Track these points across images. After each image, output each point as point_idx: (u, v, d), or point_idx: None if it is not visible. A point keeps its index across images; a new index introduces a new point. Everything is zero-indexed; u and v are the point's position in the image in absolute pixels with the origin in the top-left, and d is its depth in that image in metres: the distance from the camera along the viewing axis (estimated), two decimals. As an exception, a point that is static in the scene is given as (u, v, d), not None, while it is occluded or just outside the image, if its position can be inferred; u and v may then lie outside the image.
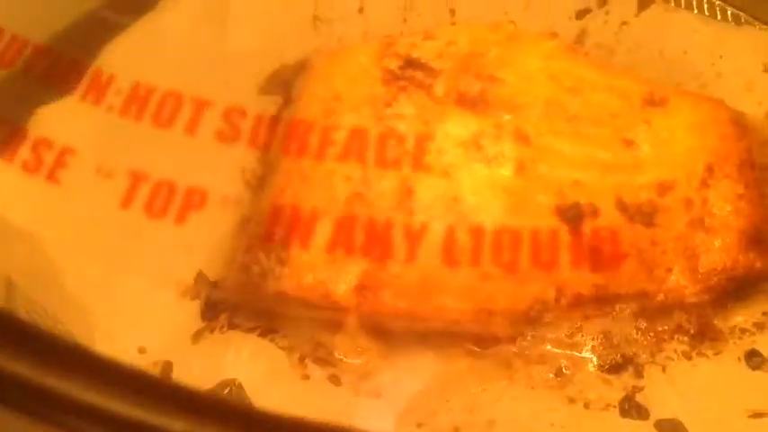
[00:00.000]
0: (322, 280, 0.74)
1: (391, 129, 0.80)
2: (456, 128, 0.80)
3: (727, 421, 0.70)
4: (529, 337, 0.78)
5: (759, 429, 0.70)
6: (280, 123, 0.92)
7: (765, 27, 1.00)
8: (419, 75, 0.87)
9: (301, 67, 0.98)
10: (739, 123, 0.88)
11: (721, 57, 0.99)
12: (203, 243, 0.81)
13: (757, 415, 0.70)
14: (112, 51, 0.91)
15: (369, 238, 0.75)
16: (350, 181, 0.78)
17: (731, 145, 0.85)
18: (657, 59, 1.00)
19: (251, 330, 0.75)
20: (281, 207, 0.78)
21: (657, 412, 0.72)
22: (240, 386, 0.69)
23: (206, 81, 0.88)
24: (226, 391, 0.69)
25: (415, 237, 0.75)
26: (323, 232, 0.76)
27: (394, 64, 0.87)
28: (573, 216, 0.79)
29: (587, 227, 0.79)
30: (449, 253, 0.75)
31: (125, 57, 0.90)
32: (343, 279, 0.74)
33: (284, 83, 0.97)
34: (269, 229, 0.76)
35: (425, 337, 0.75)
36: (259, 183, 0.87)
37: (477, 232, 0.76)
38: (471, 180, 0.78)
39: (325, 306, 0.74)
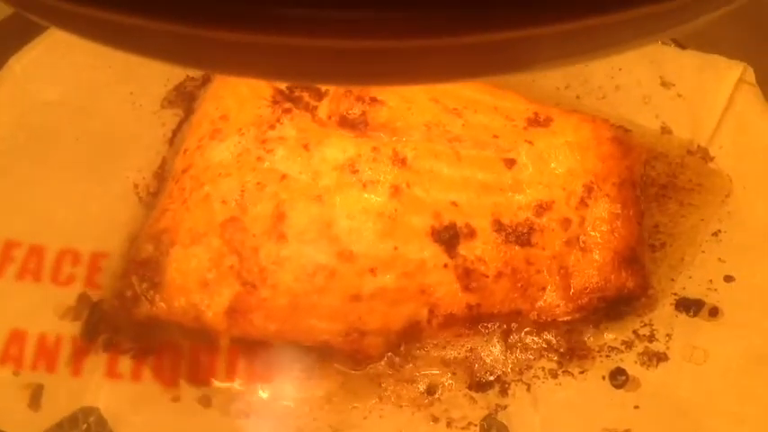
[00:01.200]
0: (194, 303, 0.77)
1: (270, 150, 0.81)
2: (333, 151, 0.82)
3: (582, 440, 0.72)
4: (400, 357, 0.79)
5: (611, 448, 0.71)
6: (176, 137, 0.94)
7: (664, 41, 1.02)
8: (306, 96, 0.88)
9: (206, 81, 0.99)
10: (623, 142, 0.89)
11: (620, 69, 1.01)
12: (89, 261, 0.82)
13: (611, 434, 0.72)
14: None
15: (241, 263, 0.77)
16: (226, 205, 0.80)
17: (612, 164, 0.87)
18: (557, 72, 1.01)
19: (126, 351, 0.76)
20: (158, 230, 0.79)
21: (517, 431, 0.73)
22: (100, 415, 0.71)
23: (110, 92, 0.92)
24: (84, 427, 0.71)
25: (285, 261, 0.77)
26: (197, 256, 0.78)
27: (283, 84, 0.88)
28: (448, 237, 0.81)
29: (462, 248, 0.81)
30: (319, 277, 0.77)
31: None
32: (214, 302, 0.76)
33: (188, 96, 0.99)
34: (144, 253, 0.78)
35: (297, 358, 0.77)
36: (153, 199, 0.89)
37: (348, 256, 0.78)
38: (345, 204, 0.79)
39: (198, 329, 0.76)
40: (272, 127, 0.85)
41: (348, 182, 0.80)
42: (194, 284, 0.76)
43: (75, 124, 0.93)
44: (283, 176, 0.81)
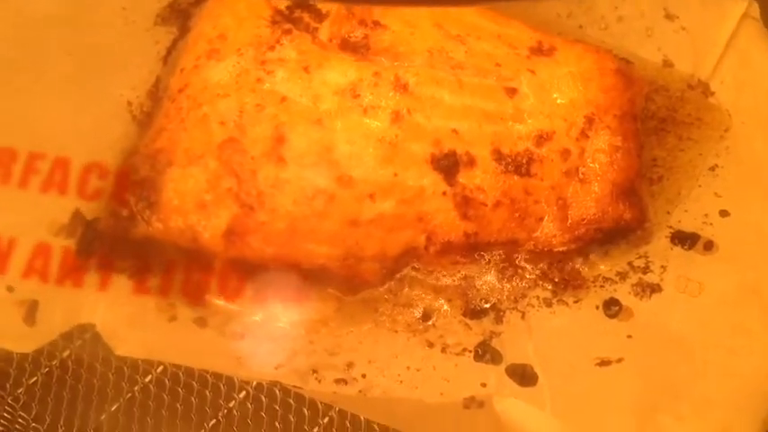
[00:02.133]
0: (191, 224, 0.76)
1: (270, 72, 0.80)
2: (334, 75, 0.81)
3: (575, 367, 0.73)
4: (396, 283, 0.79)
5: (604, 376, 0.73)
6: (170, 55, 0.92)
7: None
8: (306, 17, 0.86)
9: (200, -1, 0.96)
10: (625, 74, 0.88)
11: (624, 0, 0.99)
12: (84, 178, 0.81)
13: (604, 363, 0.73)
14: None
15: (239, 185, 0.76)
16: (224, 126, 0.78)
17: (614, 96, 0.87)
18: (561, 2, 1.00)
19: (122, 271, 0.76)
20: (155, 150, 0.78)
21: (511, 357, 0.75)
22: (95, 332, 0.71)
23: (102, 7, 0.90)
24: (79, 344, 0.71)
25: (284, 184, 0.76)
26: (194, 177, 0.77)
27: (283, 3, 0.86)
28: (447, 165, 0.80)
29: (462, 176, 0.80)
30: (318, 201, 0.76)
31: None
32: (211, 224, 0.76)
33: (182, 13, 0.96)
34: (141, 173, 0.77)
35: (294, 281, 0.77)
36: (146, 118, 0.87)
37: (348, 181, 0.77)
38: (346, 129, 0.78)
39: (194, 250, 0.75)
40: (271, 48, 0.83)
41: (349, 106, 0.79)
42: (191, 205, 0.76)
43: (66, 39, 0.90)
44: (283, 98, 0.79)
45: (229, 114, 0.78)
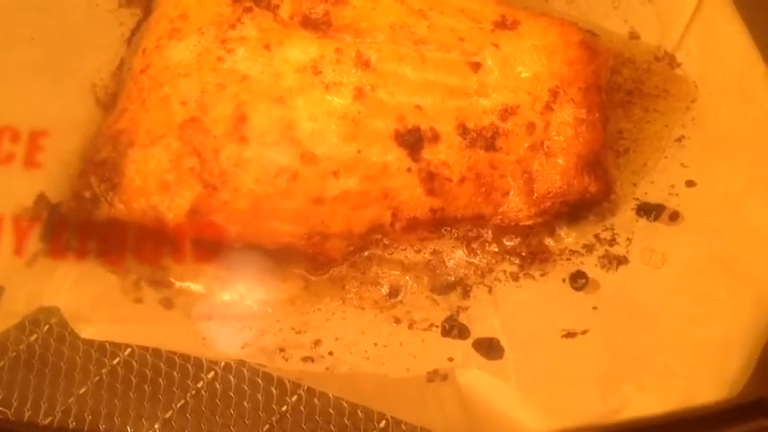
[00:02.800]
0: (154, 205, 0.76)
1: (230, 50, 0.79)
2: (295, 52, 0.80)
3: (540, 339, 0.74)
4: (363, 260, 0.79)
5: (569, 348, 0.73)
6: (134, 37, 0.91)
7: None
8: (267, -7, 0.86)
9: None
10: (590, 47, 0.88)
11: (590, -28, 0.99)
12: (49, 163, 0.80)
13: (569, 335, 0.74)
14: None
15: (201, 165, 0.76)
16: (185, 106, 0.78)
17: (579, 68, 0.86)
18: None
19: (87, 253, 0.75)
20: (116, 130, 0.78)
21: (477, 332, 0.75)
22: (62, 315, 0.71)
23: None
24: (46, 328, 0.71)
25: (246, 163, 0.76)
26: (156, 157, 0.76)
27: (244, -18, 0.86)
28: (412, 141, 0.80)
29: (426, 152, 0.80)
30: (281, 179, 0.76)
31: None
32: (175, 204, 0.76)
33: (146, -6, 0.95)
34: (103, 153, 0.76)
35: (260, 260, 0.77)
36: (111, 100, 0.87)
37: (311, 159, 0.77)
38: (308, 106, 0.78)
39: (158, 231, 0.75)
40: (232, 26, 0.83)
41: (311, 83, 0.79)
42: (154, 186, 0.76)
43: (30, 23, 0.89)
44: (244, 77, 0.79)
45: (190, 94, 0.78)
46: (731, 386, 0.68)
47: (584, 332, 0.73)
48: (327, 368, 0.72)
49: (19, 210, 0.78)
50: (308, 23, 0.83)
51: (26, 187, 0.80)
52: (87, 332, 0.71)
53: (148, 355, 0.73)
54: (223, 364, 0.73)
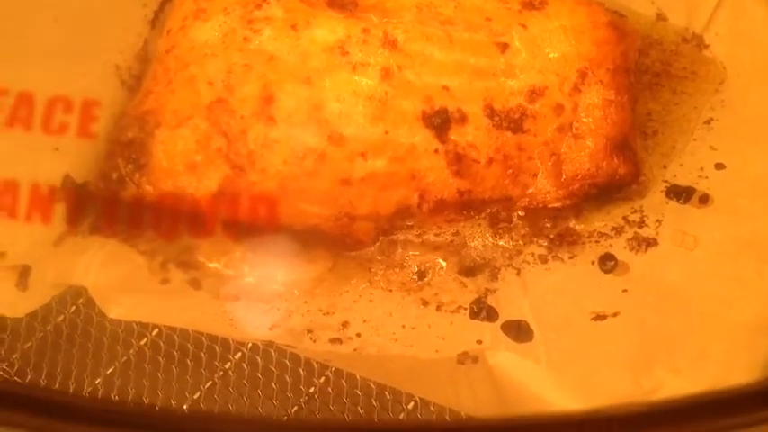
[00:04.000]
0: (181, 186, 0.75)
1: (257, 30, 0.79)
2: (322, 32, 0.80)
3: (570, 322, 0.73)
4: (390, 242, 0.79)
5: (599, 330, 0.72)
6: (158, 18, 0.91)
7: None
8: (293, -25, 0.85)
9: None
10: (617, 28, 0.87)
11: (617, -46, 0.97)
12: (73, 144, 0.80)
13: (599, 317, 0.73)
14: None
15: (229, 146, 0.75)
16: (212, 86, 0.78)
17: (607, 50, 0.85)
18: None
19: (114, 234, 0.75)
20: (143, 111, 0.77)
21: (506, 314, 0.74)
22: (89, 297, 0.70)
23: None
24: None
25: (273, 144, 0.75)
26: (183, 138, 0.76)
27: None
28: (439, 123, 0.79)
29: (454, 133, 0.79)
30: (308, 160, 0.75)
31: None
32: (202, 185, 0.75)
33: (170, -25, 0.95)
34: (129, 135, 0.76)
35: (287, 241, 0.77)
36: (135, 82, 0.86)
37: (338, 140, 0.76)
38: (335, 87, 0.78)
39: (186, 212, 0.75)
40: (258, 6, 0.82)
41: (337, 64, 0.79)
42: (181, 167, 0.75)
43: (53, 4, 0.89)
44: (271, 57, 0.78)
45: (217, 75, 0.77)
46: (763, 368, 0.67)
47: (614, 314, 0.72)
48: (355, 349, 0.71)
49: (45, 189, 0.77)
50: (335, 3, 0.83)
51: (53, 167, 0.78)
52: (115, 312, 0.70)
53: (176, 336, 0.72)
54: (250, 345, 0.73)
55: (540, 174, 0.81)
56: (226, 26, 0.80)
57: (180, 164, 0.75)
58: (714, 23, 0.91)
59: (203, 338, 0.72)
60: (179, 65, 0.79)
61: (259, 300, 0.74)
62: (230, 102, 0.76)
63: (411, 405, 0.71)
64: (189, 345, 0.72)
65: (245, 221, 0.75)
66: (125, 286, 0.72)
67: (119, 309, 0.71)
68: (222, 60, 0.78)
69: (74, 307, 0.73)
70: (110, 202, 0.75)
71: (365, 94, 0.77)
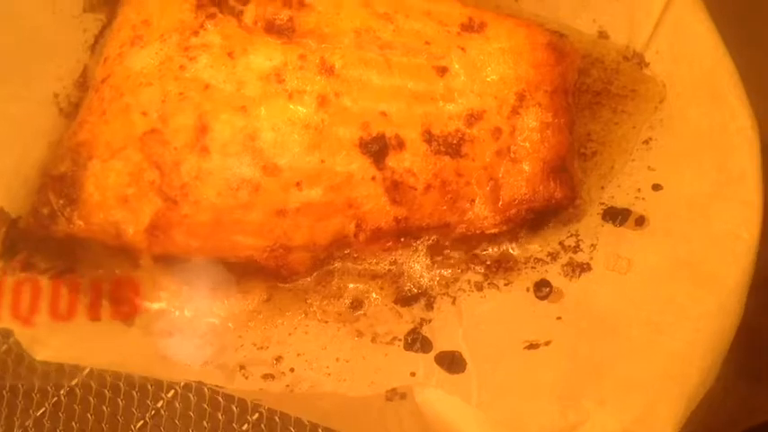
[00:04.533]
0: (114, 221, 0.75)
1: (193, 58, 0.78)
2: (259, 59, 0.79)
3: (503, 352, 0.73)
4: (327, 272, 0.79)
5: (531, 360, 0.73)
6: (98, 44, 0.90)
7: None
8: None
9: (128, -16, 0.94)
10: (556, 49, 0.87)
11: (559, -29, 0.97)
12: (8, 174, 0.79)
13: (532, 346, 0.73)
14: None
15: (162, 178, 0.75)
16: (146, 116, 0.77)
17: (545, 71, 0.86)
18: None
19: (46, 271, 0.75)
20: (76, 143, 0.76)
21: (440, 344, 0.75)
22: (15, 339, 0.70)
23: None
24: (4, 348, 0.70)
25: (207, 175, 0.75)
26: (116, 171, 0.75)
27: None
28: (377, 149, 0.79)
29: (391, 160, 0.79)
30: (243, 191, 0.75)
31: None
32: (135, 219, 0.75)
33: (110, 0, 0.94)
34: (61, 168, 0.75)
35: (222, 274, 0.76)
36: (74, 110, 0.86)
37: (273, 170, 0.76)
38: (270, 115, 0.77)
39: (119, 246, 0.74)
40: (195, 33, 0.81)
41: (273, 92, 0.78)
42: (113, 201, 0.75)
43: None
44: (206, 86, 0.78)
45: (151, 104, 0.77)
46: (689, 400, 0.68)
47: (546, 343, 0.73)
48: (288, 385, 0.72)
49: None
50: (273, 29, 0.82)
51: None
52: (42, 354, 0.70)
53: (108, 376, 0.72)
54: (183, 383, 0.72)
55: (478, 199, 0.81)
56: (162, 53, 0.80)
57: (112, 197, 0.74)
58: (654, 41, 0.91)
59: (135, 377, 0.72)
60: (114, 94, 0.78)
61: (192, 335, 0.74)
62: (164, 132, 0.76)
63: (345, 442, 0.71)
64: (120, 383, 0.72)
65: (178, 255, 0.74)
66: (54, 325, 0.72)
67: (47, 350, 0.70)
68: (157, 89, 0.78)
69: (5, 346, 0.73)
70: (41, 238, 0.74)
71: (301, 122, 0.77)
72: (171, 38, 0.81)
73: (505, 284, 0.78)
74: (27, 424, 0.70)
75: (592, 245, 0.79)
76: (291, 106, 0.77)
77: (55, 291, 0.71)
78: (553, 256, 0.79)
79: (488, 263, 0.79)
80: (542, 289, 0.77)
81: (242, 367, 0.72)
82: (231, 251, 0.75)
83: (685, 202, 0.81)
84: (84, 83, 0.86)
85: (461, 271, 0.79)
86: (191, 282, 0.75)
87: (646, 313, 0.74)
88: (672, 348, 0.72)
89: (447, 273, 0.79)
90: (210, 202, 0.74)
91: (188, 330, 0.73)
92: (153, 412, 0.71)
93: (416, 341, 0.74)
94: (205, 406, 0.71)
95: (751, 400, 0.76)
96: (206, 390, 0.71)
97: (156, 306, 0.74)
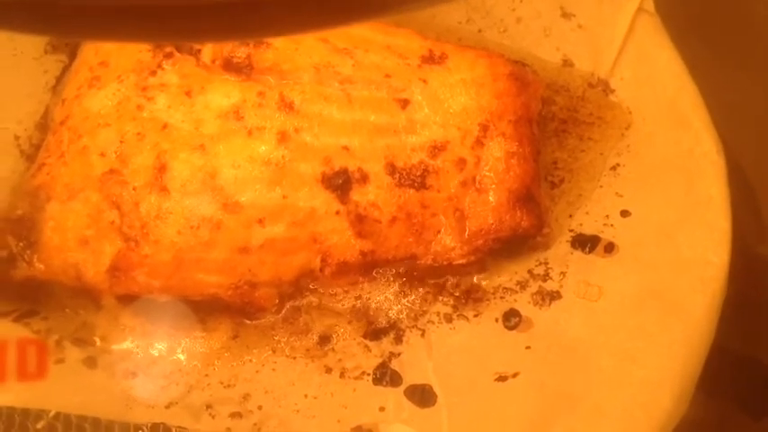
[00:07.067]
0: (74, 263, 0.74)
1: (151, 98, 0.78)
2: (217, 97, 0.79)
3: (474, 384, 0.73)
4: (294, 308, 0.78)
5: (501, 391, 0.72)
6: (59, 85, 0.89)
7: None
8: (189, 39, 0.84)
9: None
10: (518, 78, 0.87)
11: (521, 1, 0.98)
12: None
13: (502, 377, 0.72)
14: None
15: (121, 218, 0.74)
16: (105, 157, 0.76)
17: (508, 101, 0.85)
18: (460, 6, 0.98)
19: (6, 315, 0.73)
20: (34, 186, 0.76)
21: (410, 378, 0.73)
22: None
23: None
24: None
25: (167, 215, 0.74)
26: (75, 212, 0.74)
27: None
28: (340, 183, 0.79)
29: (355, 194, 0.79)
30: (203, 230, 0.74)
31: None
32: (95, 261, 0.74)
33: (72, 41, 0.93)
34: (19, 211, 0.74)
35: (187, 313, 0.75)
36: (36, 152, 0.85)
37: (234, 207, 0.75)
38: (230, 153, 0.77)
39: (80, 288, 0.73)
40: (152, 73, 0.81)
41: (232, 129, 0.78)
42: (73, 242, 0.74)
43: (-50, 72, 0.87)
44: (165, 125, 0.77)
45: (110, 145, 0.76)
46: (663, 428, 0.67)
47: (515, 374, 0.72)
48: (255, 424, 0.70)
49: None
50: (231, 67, 0.82)
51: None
52: (3, 399, 0.68)
53: (73, 417, 0.71)
54: (150, 424, 0.71)
55: (444, 230, 0.81)
56: (120, 94, 0.79)
57: (71, 239, 0.73)
58: (618, 68, 0.92)
59: (102, 419, 0.70)
60: (72, 136, 0.78)
61: (157, 375, 0.73)
62: (123, 173, 0.75)
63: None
64: (86, 425, 0.70)
65: (140, 294, 0.73)
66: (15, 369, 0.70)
67: (7, 395, 0.69)
68: (115, 130, 0.77)
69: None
70: (2, 281, 0.72)
71: (261, 159, 0.76)
72: (128, 78, 0.80)
73: (475, 315, 0.77)
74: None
75: (561, 272, 0.79)
76: (251, 143, 0.77)
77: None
78: (522, 285, 0.79)
79: (457, 294, 0.78)
80: (511, 319, 0.77)
81: (208, 406, 0.70)
82: (195, 289, 0.74)
83: (654, 227, 0.80)
84: (45, 125, 0.85)
85: (430, 303, 0.78)
86: (155, 321, 0.74)
87: (616, 341, 0.73)
88: (643, 376, 0.71)
89: (416, 305, 0.78)
90: (171, 242, 0.73)
91: (153, 370, 0.72)
92: (117, 455, 0.69)
93: (385, 375, 0.73)
94: (172, 446, 0.70)
95: (727, 422, 0.75)
96: (174, 429, 0.69)
97: (119, 347, 0.73)
